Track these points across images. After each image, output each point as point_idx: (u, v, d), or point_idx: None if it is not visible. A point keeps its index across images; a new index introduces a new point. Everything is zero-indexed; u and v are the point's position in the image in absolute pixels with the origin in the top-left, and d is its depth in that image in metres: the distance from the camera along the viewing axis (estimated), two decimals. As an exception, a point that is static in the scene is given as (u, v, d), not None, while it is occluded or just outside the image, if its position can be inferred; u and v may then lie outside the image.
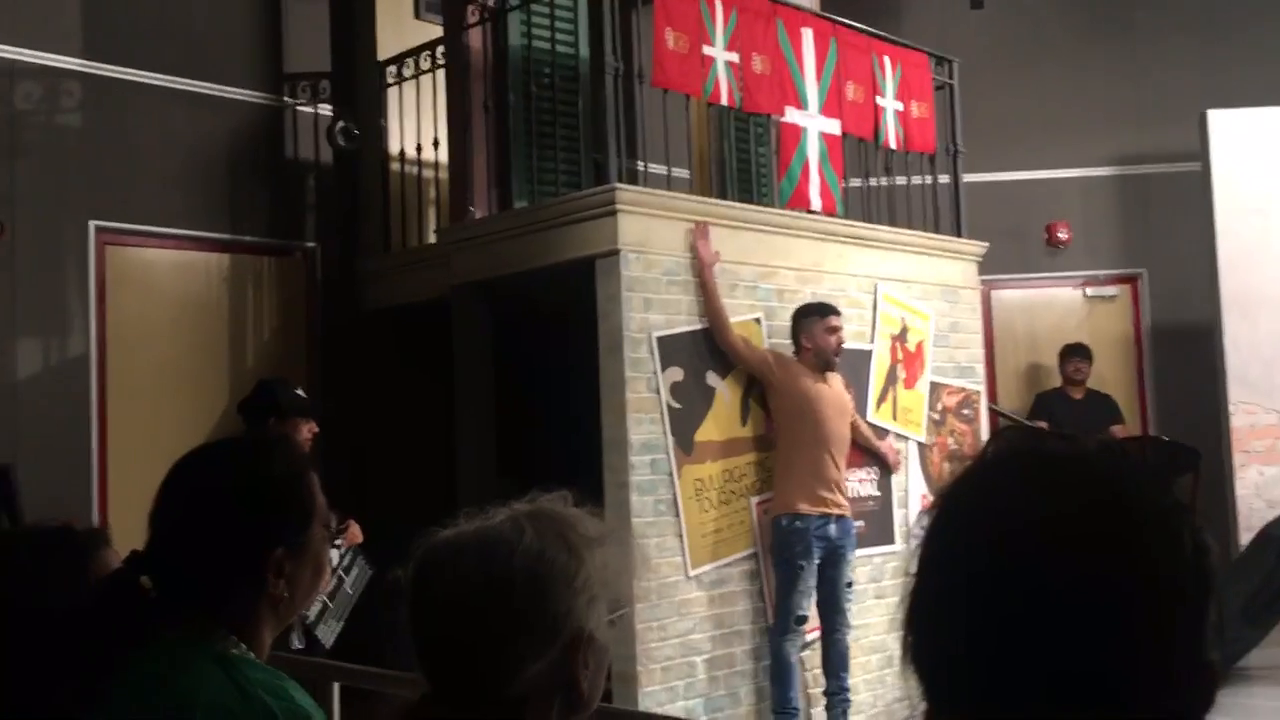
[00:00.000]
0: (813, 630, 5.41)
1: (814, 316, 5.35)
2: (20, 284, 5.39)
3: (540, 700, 1.21)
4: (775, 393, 5.30)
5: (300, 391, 4.67)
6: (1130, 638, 0.77)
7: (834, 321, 5.33)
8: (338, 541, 4.29)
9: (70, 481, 5.41)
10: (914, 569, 0.86)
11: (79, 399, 5.54)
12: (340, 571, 4.49)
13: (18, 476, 5.13)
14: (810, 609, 5.22)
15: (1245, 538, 6.77)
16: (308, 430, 4.51)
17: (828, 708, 5.33)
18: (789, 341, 5.45)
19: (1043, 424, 7.56)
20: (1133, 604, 0.77)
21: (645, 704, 4.82)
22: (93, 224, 5.66)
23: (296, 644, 4.33)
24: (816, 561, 5.16)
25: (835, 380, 5.41)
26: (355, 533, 4.51)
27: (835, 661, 5.29)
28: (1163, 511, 0.80)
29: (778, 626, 5.19)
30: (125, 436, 5.63)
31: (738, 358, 5.26)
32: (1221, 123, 7.37)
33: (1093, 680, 0.76)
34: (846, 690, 5.30)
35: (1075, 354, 7.79)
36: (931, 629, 0.83)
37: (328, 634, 4.58)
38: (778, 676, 5.16)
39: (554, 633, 1.20)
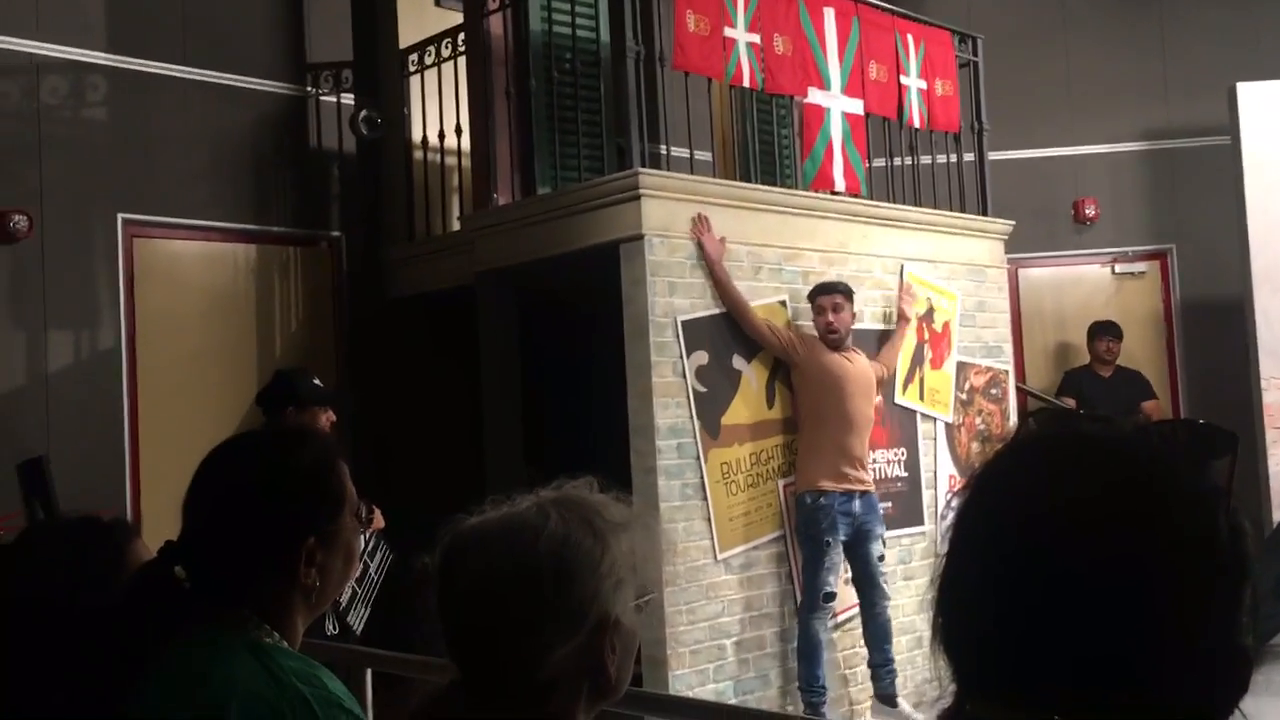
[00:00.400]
0: (845, 610, 5.43)
1: (810, 300, 5.41)
2: (49, 277, 5.44)
3: (568, 685, 1.21)
4: (799, 372, 5.31)
5: (317, 381, 4.68)
6: (1161, 621, 0.76)
7: (821, 301, 5.34)
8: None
9: (103, 472, 5.47)
10: (944, 550, 0.86)
11: (110, 390, 5.58)
12: (365, 557, 4.53)
13: (50, 467, 5.21)
14: (838, 586, 5.24)
15: (1278, 514, 6.72)
16: (326, 419, 4.53)
17: (874, 679, 5.35)
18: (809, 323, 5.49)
19: (1071, 401, 7.51)
20: (1164, 588, 0.76)
21: (675, 687, 4.83)
22: (120, 217, 5.70)
23: (331, 630, 4.37)
24: (843, 538, 5.18)
25: (859, 359, 5.43)
26: (378, 519, 4.54)
27: (878, 634, 5.30)
28: (1198, 495, 0.80)
29: (805, 604, 5.21)
30: (156, 427, 5.68)
31: (763, 341, 5.27)
32: (1251, 96, 7.28)
33: (1122, 663, 0.76)
34: (891, 661, 5.31)
35: (1106, 332, 7.71)
36: (961, 611, 0.83)
37: (357, 620, 4.62)
38: (805, 654, 5.18)
39: (580, 618, 1.21)
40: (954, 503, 0.86)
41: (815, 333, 5.38)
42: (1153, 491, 0.78)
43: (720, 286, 5.18)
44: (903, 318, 5.88)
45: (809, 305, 5.42)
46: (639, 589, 1.28)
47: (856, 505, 5.23)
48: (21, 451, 5.22)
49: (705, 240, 5.13)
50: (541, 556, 1.21)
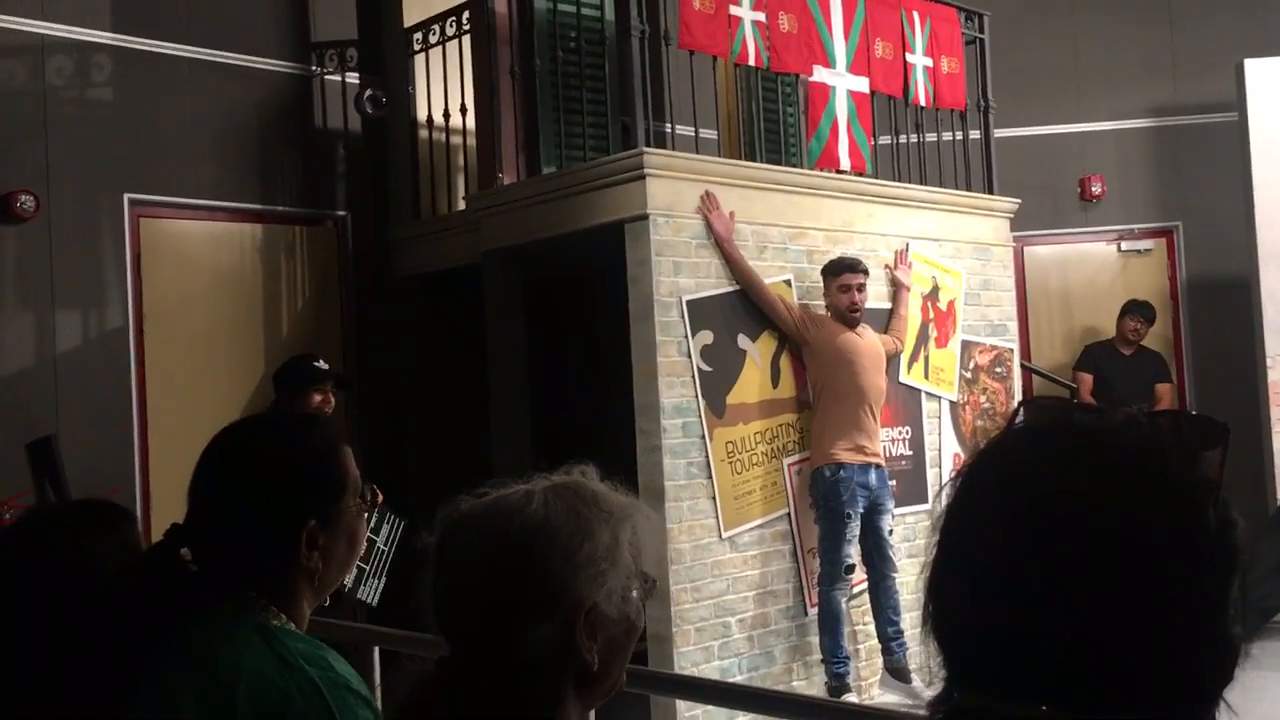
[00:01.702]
0: (859, 582, 5.46)
1: (829, 275, 5.44)
2: (56, 258, 5.45)
3: (549, 670, 1.22)
4: (810, 350, 5.35)
5: (319, 363, 4.76)
6: (1147, 613, 0.77)
7: (846, 279, 5.37)
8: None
9: (112, 451, 5.49)
10: (935, 539, 0.87)
11: (118, 370, 5.61)
12: (369, 533, 4.60)
13: (60, 446, 5.24)
14: (857, 558, 5.27)
15: (1282, 492, 6.73)
16: (320, 399, 4.62)
17: (885, 652, 5.39)
18: (820, 302, 5.51)
19: (1087, 377, 7.50)
20: (1150, 580, 0.77)
21: (680, 665, 4.87)
22: (126, 197, 5.70)
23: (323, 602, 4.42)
24: (861, 510, 5.22)
25: (868, 333, 5.48)
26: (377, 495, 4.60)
27: (888, 606, 5.34)
28: (1186, 486, 0.80)
29: (826, 576, 5.25)
30: (165, 406, 5.70)
31: (776, 317, 5.30)
32: (1258, 72, 7.24)
33: (1108, 655, 0.76)
34: (903, 633, 5.34)
35: (1137, 311, 7.63)
36: (949, 601, 0.84)
37: (370, 593, 4.68)
38: (827, 626, 5.23)
39: (550, 604, 1.21)
40: (944, 492, 0.87)
41: (824, 312, 5.42)
42: (1140, 484, 0.79)
43: (732, 263, 5.19)
44: (901, 285, 5.89)
45: (822, 280, 5.43)
46: (639, 578, 1.28)
47: (872, 478, 5.30)
48: (31, 431, 5.25)
49: (713, 218, 5.14)
50: (511, 541, 1.22)
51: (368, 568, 4.60)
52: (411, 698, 1.26)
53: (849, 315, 5.36)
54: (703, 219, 5.14)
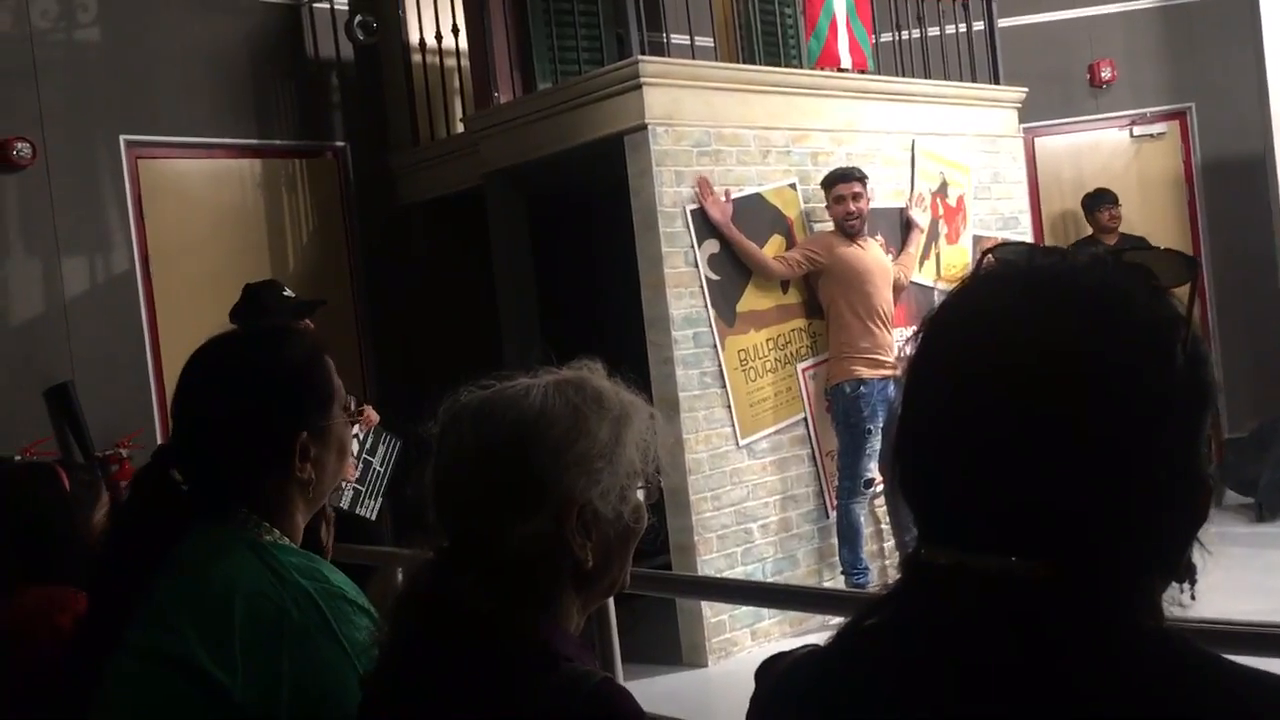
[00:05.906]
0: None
1: (825, 187, 5.36)
2: (58, 204, 5.43)
3: (542, 564, 1.20)
4: (825, 273, 5.28)
5: (288, 292, 4.66)
6: (1116, 455, 0.75)
7: (839, 190, 5.29)
8: (355, 431, 4.32)
9: (128, 394, 5.52)
10: (900, 394, 0.85)
11: (129, 313, 5.62)
12: (365, 455, 4.58)
13: (76, 392, 5.28)
14: (876, 471, 5.28)
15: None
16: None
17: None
18: (823, 204, 5.44)
19: None
20: (1118, 420, 0.74)
21: (704, 571, 4.90)
22: (123, 138, 5.66)
23: None
24: (881, 424, 5.22)
25: (873, 245, 5.42)
26: (371, 415, 4.57)
27: (906, 515, 5.35)
28: (1152, 322, 0.77)
29: (845, 490, 5.26)
30: (177, 346, 5.70)
31: (790, 277, 5.28)
32: (1269, -58, 7.05)
33: (1077, 499, 0.74)
34: None
35: (1104, 201, 7.46)
36: (915, 456, 0.82)
37: (368, 512, 4.66)
38: (847, 538, 5.26)
39: (537, 498, 1.19)
40: (907, 347, 0.84)
41: (829, 226, 5.36)
42: (1102, 322, 0.76)
43: (734, 247, 5.12)
44: (914, 226, 5.82)
45: (821, 192, 5.36)
46: (644, 480, 1.25)
47: (890, 390, 5.28)
48: (46, 379, 5.28)
49: (708, 205, 5.04)
50: (503, 432, 1.20)
51: (364, 488, 4.59)
52: (409, 587, 1.26)
53: (845, 225, 5.29)
54: (698, 203, 5.03)
